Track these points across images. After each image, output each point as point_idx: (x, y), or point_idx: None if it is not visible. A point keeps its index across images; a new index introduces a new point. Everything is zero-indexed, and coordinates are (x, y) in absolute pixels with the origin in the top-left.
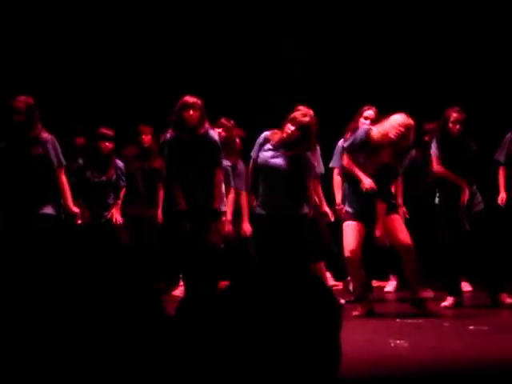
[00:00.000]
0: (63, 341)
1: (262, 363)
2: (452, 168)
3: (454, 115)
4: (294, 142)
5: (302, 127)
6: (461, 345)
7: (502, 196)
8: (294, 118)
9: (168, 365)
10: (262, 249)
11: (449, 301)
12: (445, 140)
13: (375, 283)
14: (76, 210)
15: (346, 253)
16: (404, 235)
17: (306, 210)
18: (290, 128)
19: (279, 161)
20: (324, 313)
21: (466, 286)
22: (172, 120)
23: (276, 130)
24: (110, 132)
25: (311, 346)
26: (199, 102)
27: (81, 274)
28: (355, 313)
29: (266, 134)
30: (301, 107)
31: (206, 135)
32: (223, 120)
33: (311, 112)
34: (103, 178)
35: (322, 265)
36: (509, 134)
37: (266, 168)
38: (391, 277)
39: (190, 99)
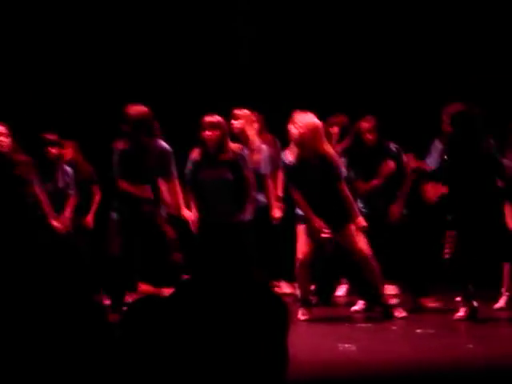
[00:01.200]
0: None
1: (210, 366)
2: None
3: (366, 125)
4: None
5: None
6: (408, 348)
7: None
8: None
9: (112, 368)
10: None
11: (359, 305)
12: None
13: None
14: None
15: (299, 254)
16: (362, 244)
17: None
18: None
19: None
20: (271, 316)
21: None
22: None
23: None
24: (54, 137)
25: (259, 348)
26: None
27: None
28: (302, 317)
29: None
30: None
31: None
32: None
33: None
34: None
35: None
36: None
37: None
38: (342, 281)
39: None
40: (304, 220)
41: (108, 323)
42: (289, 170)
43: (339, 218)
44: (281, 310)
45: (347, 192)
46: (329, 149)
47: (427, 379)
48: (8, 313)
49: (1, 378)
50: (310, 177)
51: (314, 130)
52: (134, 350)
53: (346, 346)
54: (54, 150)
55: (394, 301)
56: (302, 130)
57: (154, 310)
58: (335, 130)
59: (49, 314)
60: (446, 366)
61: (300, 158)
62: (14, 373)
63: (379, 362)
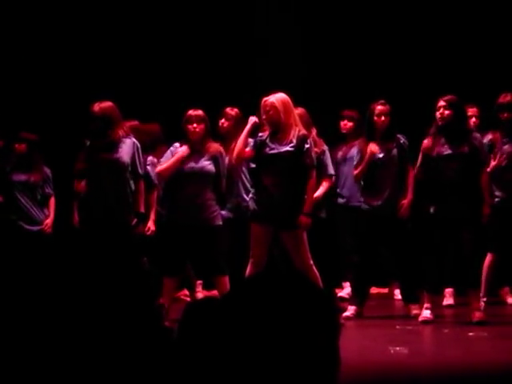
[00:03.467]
0: (63, 345)
1: (262, 369)
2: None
3: (379, 108)
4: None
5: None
6: (461, 351)
7: None
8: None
9: (169, 369)
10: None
11: (350, 310)
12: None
13: (374, 289)
14: None
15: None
16: (306, 253)
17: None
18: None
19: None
20: (323, 318)
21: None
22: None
23: None
24: (25, 135)
25: (311, 351)
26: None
27: (82, 279)
28: None
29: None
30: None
31: None
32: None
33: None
34: (25, 178)
35: (227, 278)
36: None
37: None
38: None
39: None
40: (254, 218)
41: (164, 327)
42: (257, 144)
43: (296, 215)
44: (332, 311)
45: (312, 184)
46: (304, 130)
47: (480, 383)
48: (71, 310)
49: (56, 377)
50: (280, 158)
51: (286, 103)
52: (191, 353)
53: (398, 348)
54: (18, 146)
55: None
56: (275, 104)
57: (210, 312)
58: (347, 124)
59: (109, 315)
60: (498, 370)
61: (272, 135)
62: (70, 372)
63: (431, 365)
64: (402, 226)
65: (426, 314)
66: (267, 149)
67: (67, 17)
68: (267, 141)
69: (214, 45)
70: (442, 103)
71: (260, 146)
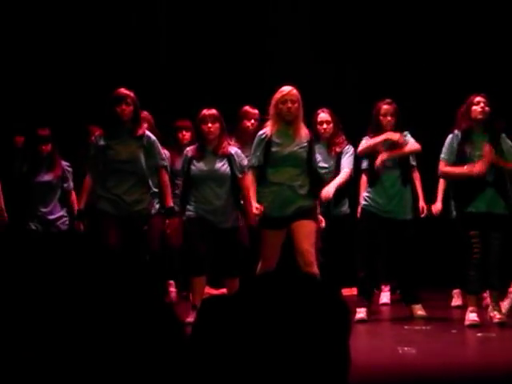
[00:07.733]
0: (69, 346)
1: (272, 368)
2: None
3: (385, 107)
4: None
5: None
6: (469, 351)
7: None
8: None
9: (182, 365)
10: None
11: (362, 312)
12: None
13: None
14: None
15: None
16: (308, 245)
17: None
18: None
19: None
20: (334, 318)
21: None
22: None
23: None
24: (46, 132)
25: (322, 351)
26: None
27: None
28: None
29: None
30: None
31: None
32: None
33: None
34: (47, 178)
35: (237, 281)
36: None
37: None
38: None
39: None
40: (266, 225)
41: (179, 323)
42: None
43: (310, 206)
44: (343, 311)
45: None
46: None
47: (489, 383)
48: (83, 310)
49: (73, 374)
50: (294, 157)
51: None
52: (205, 351)
53: (406, 349)
54: (45, 147)
55: None
56: (299, 97)
57: (222, 309)
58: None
59: (120, 314)
60: (507, 370)
61: (280, 131)
62: (86, 370)
63: (439, 365)
64: (408, 227)
65: (473, 317)
66: (278, 147)
67: (72, 10)
68: (273, 138)
69: (220, 42)
70: None
71: (266, 145)
